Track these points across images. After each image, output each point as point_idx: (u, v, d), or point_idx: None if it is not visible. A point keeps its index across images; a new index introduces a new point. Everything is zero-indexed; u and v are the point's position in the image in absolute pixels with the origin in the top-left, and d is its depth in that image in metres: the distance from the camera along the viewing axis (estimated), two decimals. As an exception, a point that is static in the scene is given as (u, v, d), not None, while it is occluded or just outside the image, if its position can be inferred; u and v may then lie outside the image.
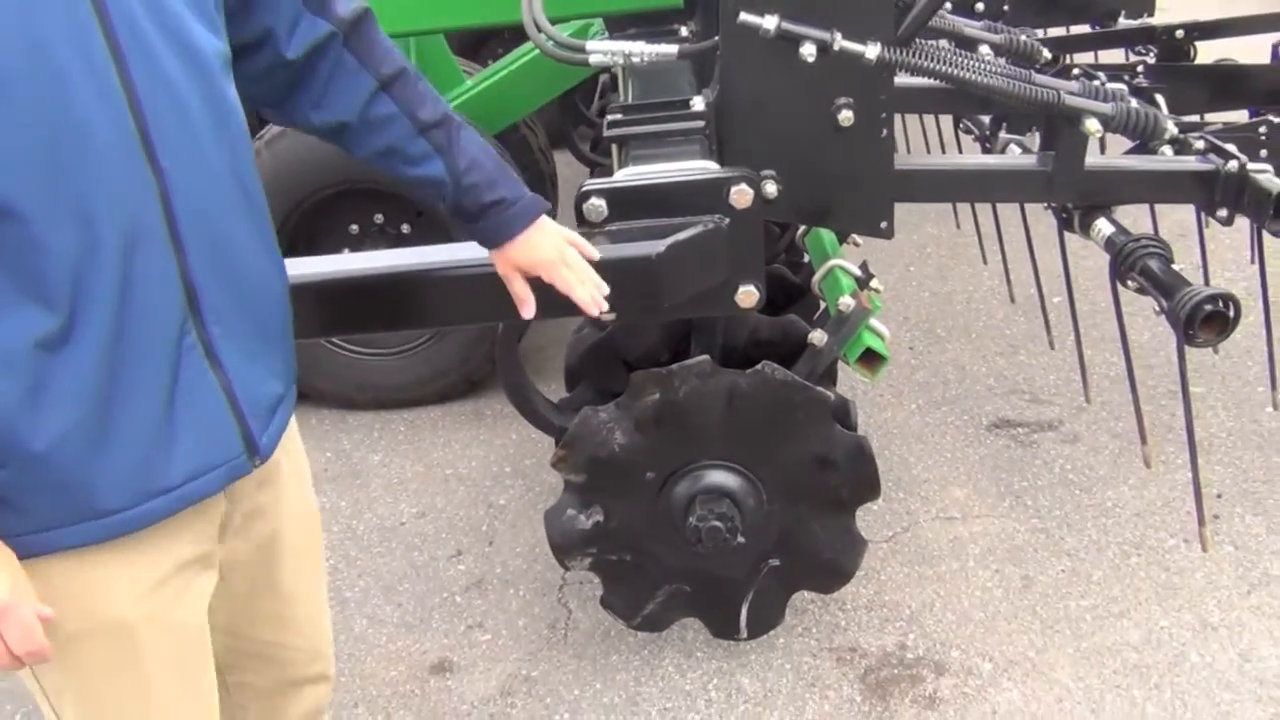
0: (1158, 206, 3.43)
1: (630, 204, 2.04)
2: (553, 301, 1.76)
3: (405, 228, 3.64)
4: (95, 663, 1.36)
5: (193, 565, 1.41)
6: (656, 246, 1.96)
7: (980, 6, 4.02)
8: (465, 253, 1.93)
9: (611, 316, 1.87)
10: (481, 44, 5.54)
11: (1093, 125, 2.15)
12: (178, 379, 1.30)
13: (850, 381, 3.36)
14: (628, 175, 2.10)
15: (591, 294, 1.75)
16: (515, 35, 4.43)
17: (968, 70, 2.13)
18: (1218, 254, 4.10)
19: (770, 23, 1.98)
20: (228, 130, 1.35)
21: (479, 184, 1.64)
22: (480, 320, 2.47)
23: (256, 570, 1.55)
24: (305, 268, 1.99)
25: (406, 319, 2.21)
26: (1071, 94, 2.21)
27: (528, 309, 1.75)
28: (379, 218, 3.63)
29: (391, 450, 3.65)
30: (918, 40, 2.15)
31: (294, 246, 3.52)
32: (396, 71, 1.56)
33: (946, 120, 4.08)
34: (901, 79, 2.14)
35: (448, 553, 3.10)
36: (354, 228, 3.64)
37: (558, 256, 1.73)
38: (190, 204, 1.28)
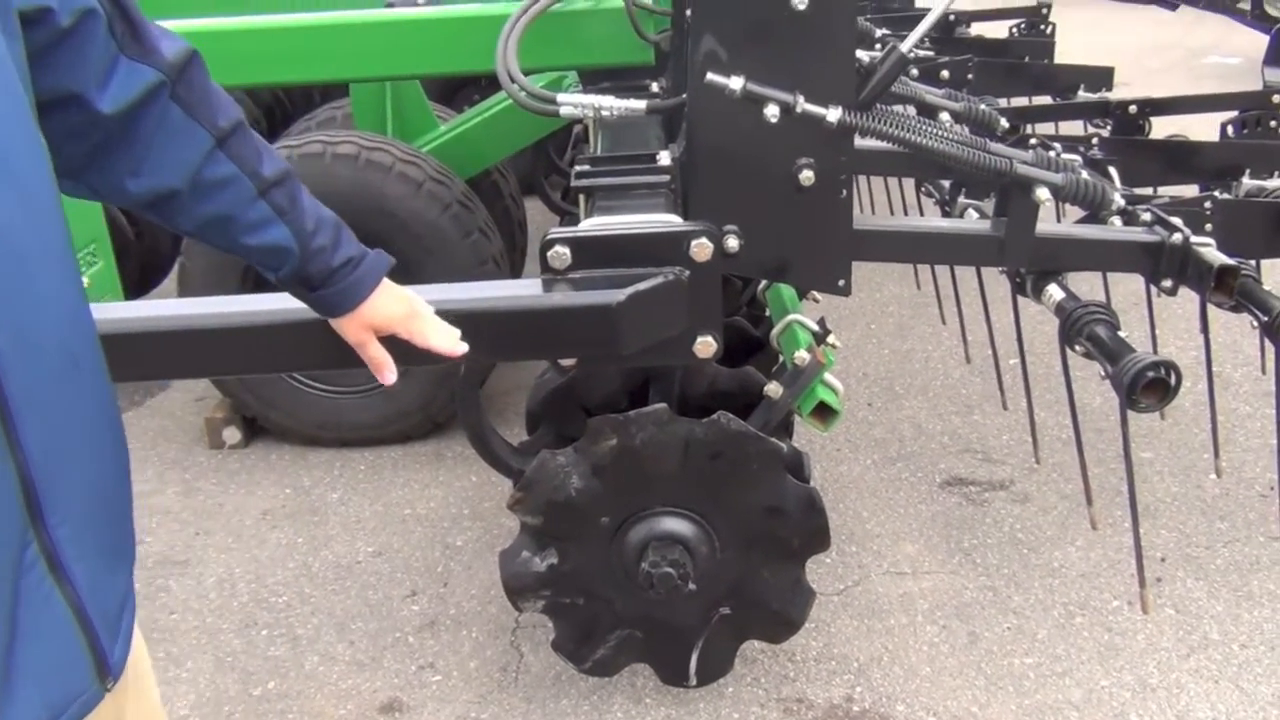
0: (1112, 275, 3.52)
1: (594, 253, 2.09)
2: (408, 353, 1.67)
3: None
4: None
5: None
6: (617, 295, 2.01)
7: (945, 74, 4.15)
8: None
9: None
10: (457, 90, 5.61)
11: (1043, 194, 2.23)
12: (18, 607, 1.02)
13: (807, 435, 3.41)
14: (592, 225, 2.15)
15: (450, 337, 1.68)
16: (491, 83, 4.51)
17: (925, 136, 2.20)
18: (1170, 323, 4.21)
19: (736, 83, 2.04)
20: (61, 256, 1.08)
21: (326, 246, 1.47)
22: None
23: None
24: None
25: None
26: (1024, 163, 2.29)
27: (389, 373, 1.63)
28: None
29: (351, 488, 3.66)
30: (879, 105, 2.23)
31: (261, 283, 3.54)
32: (234, 124, 1.35)
33: (910, 183, 4.17)
34: (865, 142, 2.21)
35: (402, 592, 3.11)
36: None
37: (409, 308, 1.63)
38: (24, 383, 1.00)
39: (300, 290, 1.52)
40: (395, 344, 1.64)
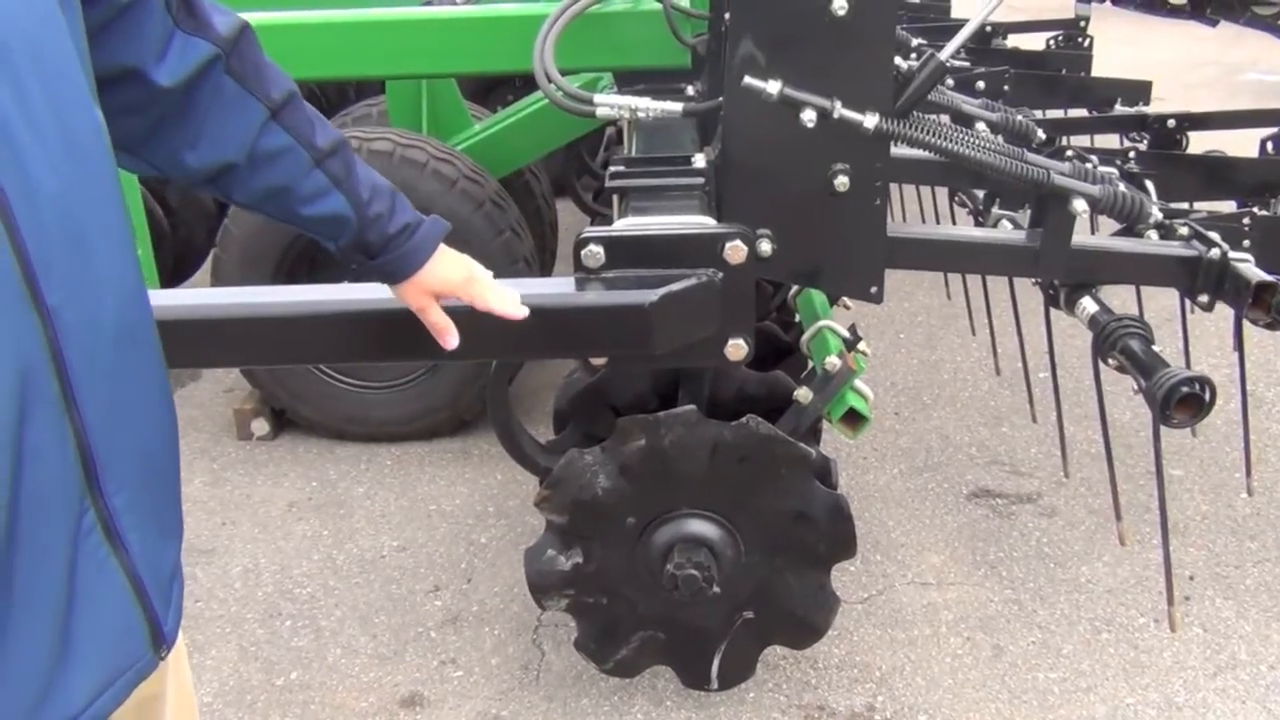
0: (1146, 289, 3.50)
1: (627, 253, 2.09)
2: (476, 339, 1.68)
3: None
4: None
5: None
6: (650, 295, 2.01)
7: (981, 85, 4.13)
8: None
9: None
10: (490, 90, 5.63)
11: (1080, 205, 2.22)
12: (76, 573, 1.05)
13: (835, 442, 3.40)
14: (626, 225, 2.15)
15: (510, 300, 1.66)
16: (525, 83, 4.53)
17: (961, 145, 2.19)
18: (1203, 339, 4.17)
19: (773, 87, 2.04)
20: (120, 232, 1.10)
21: (383, 214, 1.48)
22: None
23: None
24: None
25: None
26: (1061, 174, 2.27)
27: (452, 338, 1.64)
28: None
29: (377, 483, 3.67)
30: (915, 113, 2.22)
31: (294, 274, 3.57)
32: (287, 95, 1.36)
33: (943, 193, 4.16)
34: (900, 150, 2.21)
35: (426, 587, 3.12)
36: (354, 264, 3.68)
37: (468, 272, 1.62)
38: (84, 348, 1.03)
39: (360, 258, 1.53)
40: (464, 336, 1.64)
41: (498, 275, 1.72)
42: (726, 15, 2.24)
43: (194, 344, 1.99)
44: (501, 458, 2.62)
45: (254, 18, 3.58)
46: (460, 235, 3.44)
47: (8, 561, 0.98)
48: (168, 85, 1.25)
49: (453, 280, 1.61)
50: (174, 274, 4.46)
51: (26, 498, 0.99)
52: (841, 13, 2.00)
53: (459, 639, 2.90)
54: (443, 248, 1.59)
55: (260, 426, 3.95)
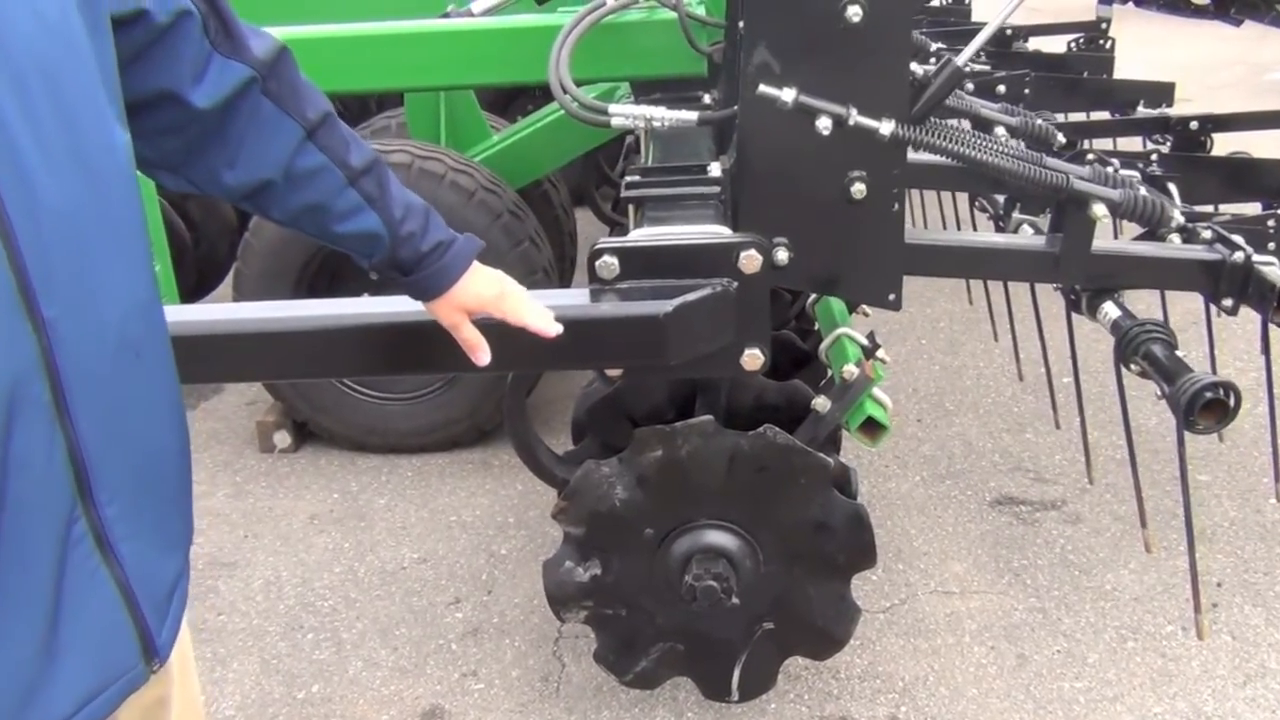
0: (1170, 294, 3.46)
1: (642, 263, 2.08)
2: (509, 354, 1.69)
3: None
4: None
5: None
6: (665, 306, 2.00)
7: (1002, 89, 4.10)
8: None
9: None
10: (511, 100, 5.64)
11: (1100, 210, 2.19)
12: (63, 582, 1.06)
13: (857, 450, 3.37)
14: (641, 235, 2.14)
15: (545, 316, 1.66)
16: (545, 93, 4.53)
17: (979, 150, 2.17)
18: (1229, 343, 4.12)
19: (789, 95, 2.03)
20: (130, 247, 1.12)
21: (415, 232, 1.50)
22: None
23: None
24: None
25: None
26: (1081, 179, 2.25)
27: (483, 354, 1.64)
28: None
29: (398, 494, 3.68)
30: (932, 119, 2.20)
31: (314, 288, 3.58)
32: (323, 115, 1.39)
33: (963, 198, 4.13)
34: (918, 156, 2.19)
35: (446, 599, 3.12)
36: (374, 274, 3.68)
37: (500, 289, 1.62)
38: (79, 359, 1.04)
39: (394, 274, 1.54)
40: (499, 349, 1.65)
41: (515, 286, 1.71)
42: (741, 23, 2.23)
43: (218, 358, 2.00)
44: (522, 468, 2.62)
45: (275, 32, 3.59)
46: (478, 246, 3.49)
47: None
48: (205, 107, 1.28)
49: (485, 297, 1.61)
50: (196, 288, 4.49)
51: (12, 503, 1.00)
52: (856, 19, 1.98)
53: (479, 651, 2.90)
54: (476, 265, 1.60)
55: (282, 439, 3.97)
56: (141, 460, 1.15)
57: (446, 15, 3.73)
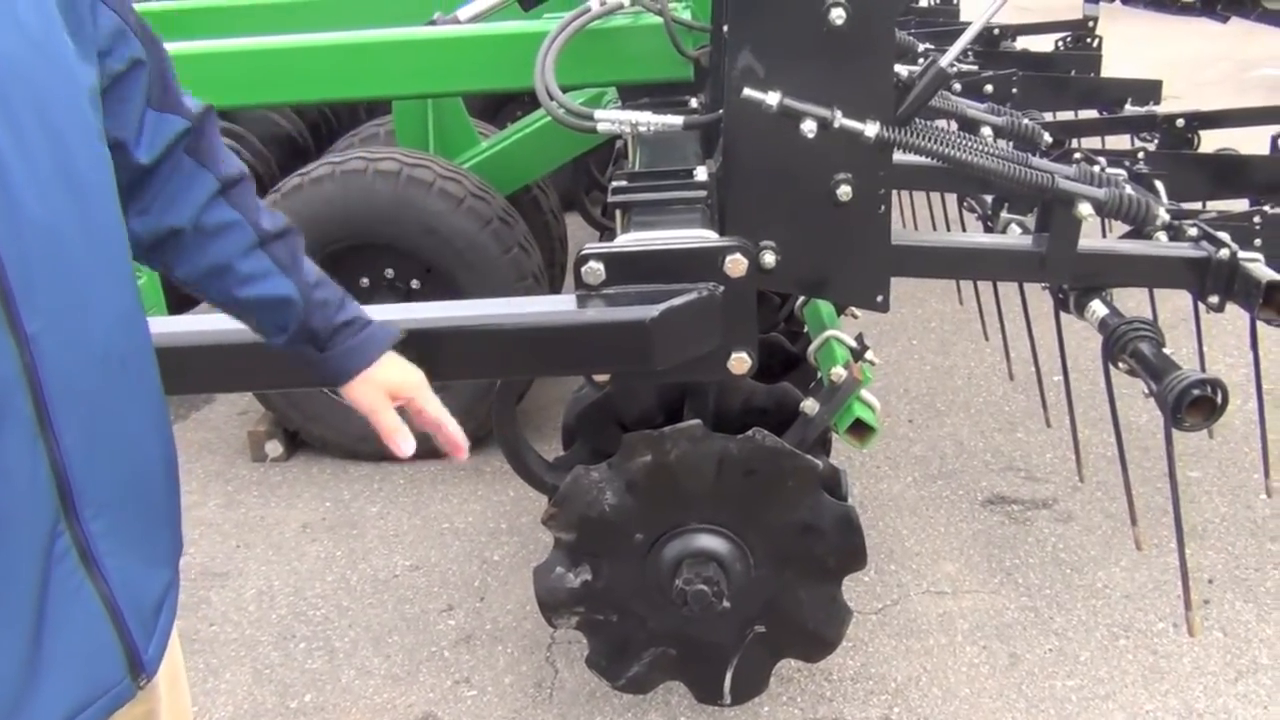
0: (1160, 291, 3.47)
1: (628, 269, 2.08)
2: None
3: (415, 283, 3.68)
4: None
5: None
6: (650, 311, 2.00)
7: (989, 89, 4.11)
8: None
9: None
10: (501, 107, 5.64)
11: (1085, 209, 2.20)
12: (47, 597, 1.06)
13: (848, 452, 3.38)
14: (627, 240, 2.15)
15: (457, 428, 1.60)
16: (534, 99, 4.52)
17: (964, 151, 2.18)
18: (1219, 340, 4.13)
19: (773, 99, 2.03)
20: (115, 265, 1.14)
21: (330, 301, 1.45)
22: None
23: None
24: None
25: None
26: (1067, 178, 2.26)
27: (407, 441, 1.54)
28: (389, 273, 3.68)
29: (390, 502, 3.67)
30: (917, 120, 2.21)
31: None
32: (238, 176, 1.38)
33: (952, 198, 4.14)
34: (904, 157, 2.19)
35: (439, 606, 3.11)
36: (365, 281, 3.69)
37: (421, 377, 1.56)
38: (62, 373, 1.05)
39: (309, 350, 1.48)
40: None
41: (505, 292, 1.71)
42: (725, 27, 2.24)
43: (206, 369, 1.99)
44: (514, 475, 2.61)
45: (263, 41, 3.59)
46: (468, 253, 3.49)
47: None
48: (145, 162, 1.27)
49: (411, 380, 1.55)
50: (184, 298, 4.47)
51: None
52: (839, 22, 1.99)
53: (472, 658, 2.90)
54: (394, 354, 1.55)
55: (274, 448, 3.96)
56: (127, 474, 1.15)
57: (433, 22, 3.73)
